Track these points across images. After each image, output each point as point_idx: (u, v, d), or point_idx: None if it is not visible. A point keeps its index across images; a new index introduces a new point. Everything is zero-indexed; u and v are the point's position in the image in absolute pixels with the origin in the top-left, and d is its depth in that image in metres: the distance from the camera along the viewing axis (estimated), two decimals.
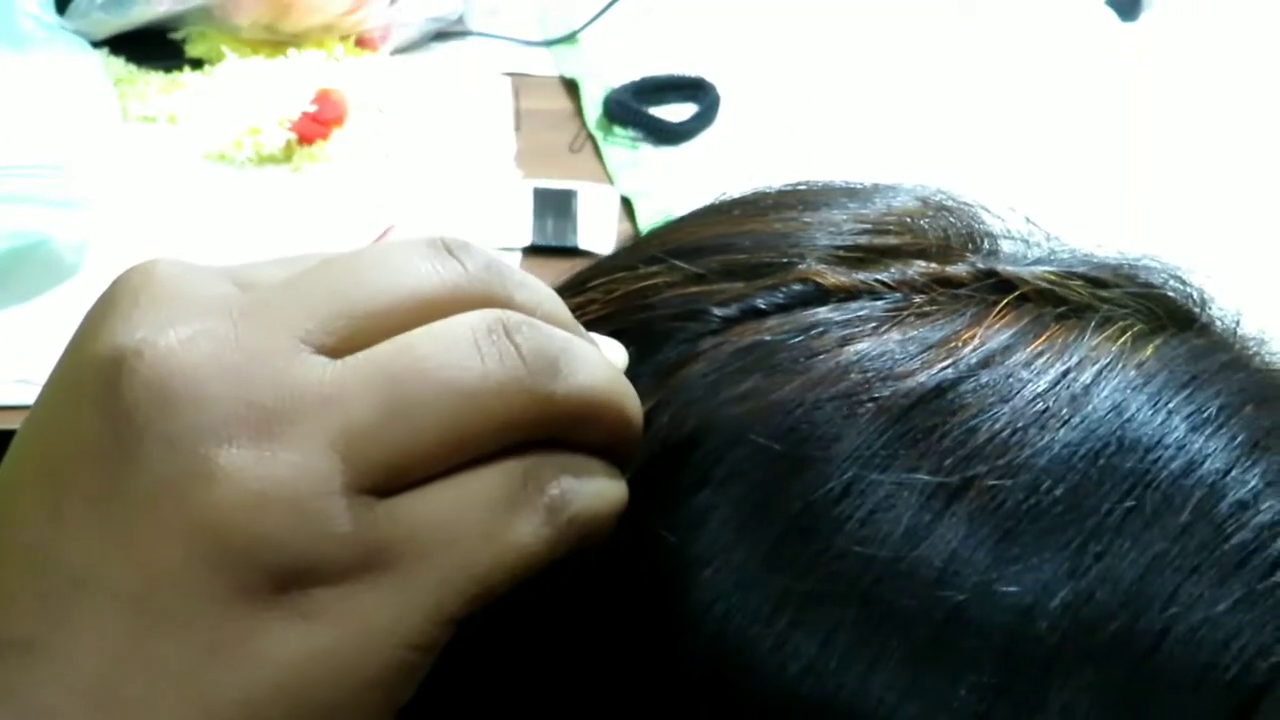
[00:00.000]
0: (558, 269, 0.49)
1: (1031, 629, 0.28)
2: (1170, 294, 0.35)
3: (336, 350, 0.27)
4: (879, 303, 0.34)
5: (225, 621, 0.26)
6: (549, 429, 0.28)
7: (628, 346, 0.34)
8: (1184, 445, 0.30)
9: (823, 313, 0.34)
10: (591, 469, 0.29)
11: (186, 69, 1.19)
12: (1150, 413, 0.31)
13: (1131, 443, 0.30)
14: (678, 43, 1.32)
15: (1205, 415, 0.31)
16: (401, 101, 1.19)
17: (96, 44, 1.17)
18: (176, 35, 1.21)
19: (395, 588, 0.27)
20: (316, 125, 1.13)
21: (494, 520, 0.27)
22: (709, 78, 1.25)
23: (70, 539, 0.26)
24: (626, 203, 1.12)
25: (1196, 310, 0.35)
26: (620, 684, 0.31)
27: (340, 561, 0.26)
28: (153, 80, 1.18)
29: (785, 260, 0.36)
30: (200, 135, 1.12)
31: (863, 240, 0.37)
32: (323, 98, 1.14)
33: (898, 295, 0.34)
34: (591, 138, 1.19)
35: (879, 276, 0.35)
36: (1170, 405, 0.31)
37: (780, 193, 0.41)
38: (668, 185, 1.14)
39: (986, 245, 0.38)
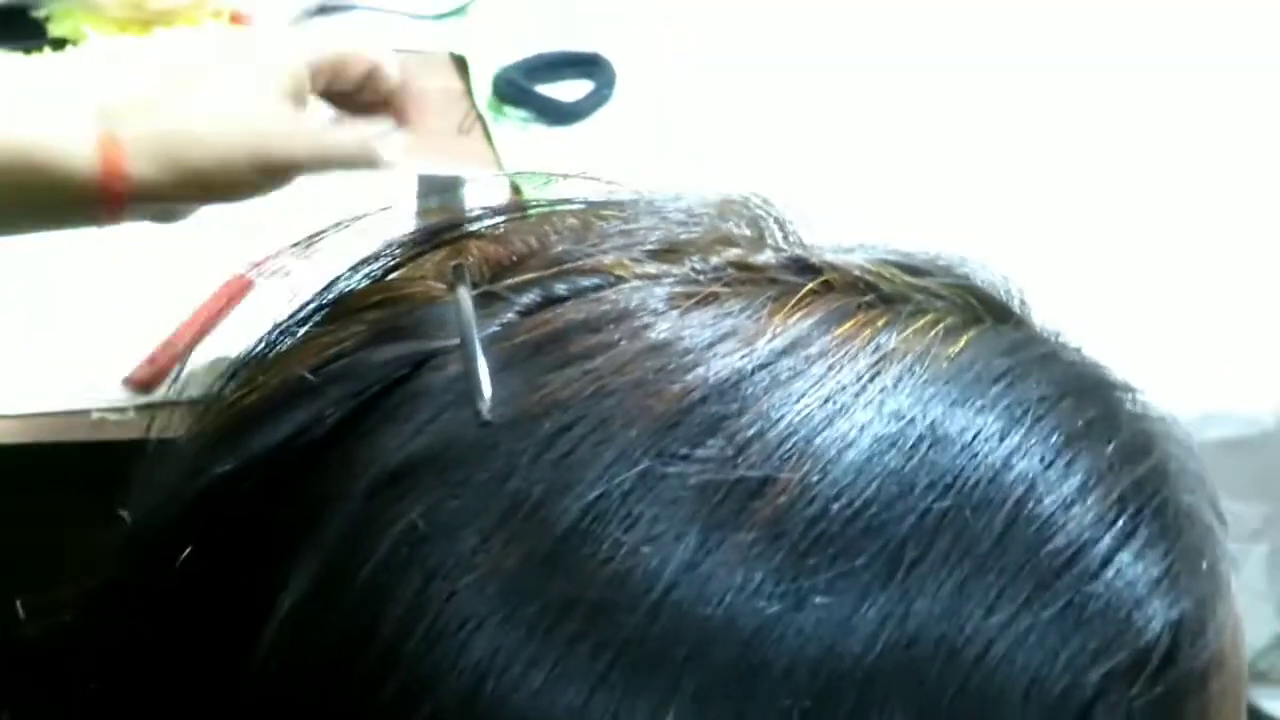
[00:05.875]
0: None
1: (847, 645, 0.25)
2: (986, 287, 0.33)
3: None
4: (663, 290, 0.30)
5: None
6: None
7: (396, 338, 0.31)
8: (1003, 438, 0.28)
9: (610, 296, 0.30)
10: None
11: (48, 50, 1.12)
12: (964, 407, 0.28)
13: (945, 438, 0.27)
14: (574, 15, 1.26)
15: (1023, 408, 0.28)
16: None
17: None
18: (39, 13, 1.15)
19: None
20: None
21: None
22: (605, 53, 1.20)
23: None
24: (516, 187, 1.06)
25: (1014, 304, 0.33)
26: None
27: None
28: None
29: (579, 258, 0.32)
30: None
31: (664, 235, 0.33)
32: None
33: (693, 283, 0.31)
34: (481, 119, 1.14)
35: (677, 267, 0.31)
36: (985, 399, 0.28)
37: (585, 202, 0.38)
38: (559, 168, 1.08)
39: (797, 239, 0.35)
